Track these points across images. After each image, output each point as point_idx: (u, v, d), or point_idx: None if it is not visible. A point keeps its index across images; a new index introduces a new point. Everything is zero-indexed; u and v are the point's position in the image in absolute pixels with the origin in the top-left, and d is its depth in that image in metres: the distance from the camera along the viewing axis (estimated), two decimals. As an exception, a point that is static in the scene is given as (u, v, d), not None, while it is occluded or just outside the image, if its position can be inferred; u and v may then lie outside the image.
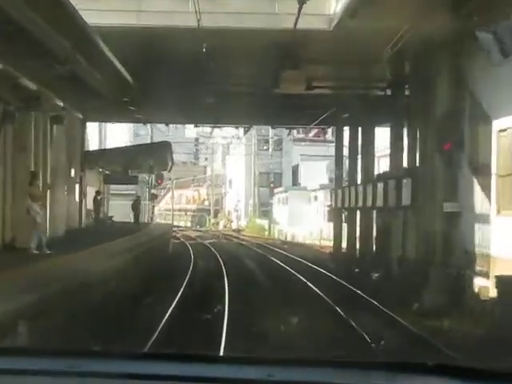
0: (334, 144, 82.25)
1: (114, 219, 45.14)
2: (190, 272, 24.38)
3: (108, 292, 15.55)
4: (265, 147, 65.32)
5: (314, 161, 69.93)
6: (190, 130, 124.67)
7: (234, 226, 73.89)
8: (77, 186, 31.33)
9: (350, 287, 20.24)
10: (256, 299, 17.92)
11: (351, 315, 15.19)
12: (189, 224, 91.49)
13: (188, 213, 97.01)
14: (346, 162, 36.28)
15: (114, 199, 50.70)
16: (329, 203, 53.13)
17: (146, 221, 50.19)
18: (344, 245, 33.67)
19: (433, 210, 19.84)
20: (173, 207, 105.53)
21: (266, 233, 61.27)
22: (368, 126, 30.75)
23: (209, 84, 25.05)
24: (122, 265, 18.84)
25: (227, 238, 52.10)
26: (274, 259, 31.38)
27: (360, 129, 31.58)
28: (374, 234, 26.88)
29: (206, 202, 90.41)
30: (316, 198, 55.86)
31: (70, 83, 19.92)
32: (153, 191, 56.26)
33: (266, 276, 24.45)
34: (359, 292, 19.06)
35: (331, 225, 51.35)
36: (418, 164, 21.33)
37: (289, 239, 55.41)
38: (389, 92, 24.45)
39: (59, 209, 25.65)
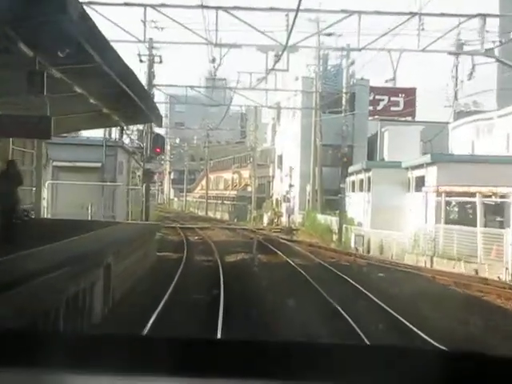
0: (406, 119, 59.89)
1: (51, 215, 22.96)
2: None
3: None
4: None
5: (401, 125, 47.83)
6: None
7: (284, 221, 50.93)
8: None
9: None
10: None
11: None
12: (226, 216, 69.20)
13: (226, 201, 74.56)
14: None
15: (63, 176, 28.23)
16: (448, 188, 29.63)
17: (116, 218, 27.57)
18: None
19: None
20: (207, 194, 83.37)
21: (334, 237, 38.05)
22: None
23: None
24: None
25: (267, 250, 28.99)
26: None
27: None
28: None
29: (250, 188, 67.58)
30: (422, 179, 32.37)
31: None
32: (148, 166, 33.67)
33: None
34: None
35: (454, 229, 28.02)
36: None
37: (374, 252, 32.39)
38: None
39: None
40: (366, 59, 39.97)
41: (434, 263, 26.17)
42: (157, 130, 54.46)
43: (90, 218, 25.73)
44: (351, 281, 19.13)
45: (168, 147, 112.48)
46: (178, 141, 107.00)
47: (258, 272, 21.03)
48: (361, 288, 17.60)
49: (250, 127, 72.44)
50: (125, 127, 27.95)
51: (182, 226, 47.41)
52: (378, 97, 61.98)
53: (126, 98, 18.68)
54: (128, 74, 16.93)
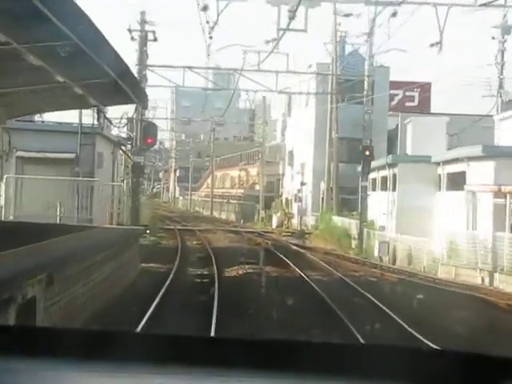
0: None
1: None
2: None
3: None
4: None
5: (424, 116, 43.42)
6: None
7: (295, 223, 46.05)
8: None
9: None
10: None
11: None
12: (232, 216, 64.42)
13: (232, 200, 69.72)
14: None
15: (29, 170, 23.41)
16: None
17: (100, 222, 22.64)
18: None
19: None
20: (212, 193, 78.39)
21: (354, 244, 33.08)
22: None
23: None
24: None
25: (277, 261, 24.09)
26: None
27: None
28: None
29: (257, 187, 62.73)
30: (459, 176, 27.30)
31: None
32: (138, 159, 28.90)
33: None
34: None
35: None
36: None
37: (401, 262, 27.56)
38: None
39: None
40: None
41: (497, 281, 20.80)
42: (157, 122, 49.74)
43: (58, 221, 20.92)
44: (386, 309, 14.23)
45: (174, 143, 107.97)
46: (183, 137, 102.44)
47: (264, 294, 16.11)
48: (402, 323, 12.67)
49: (258, 120, 67.75)
50: (104, 110, 23.08)
51: (182, 228, 42.70)
52: (392, 91, 57.92)
53: (97, 70, 13.84)
54: (96, 37, 12.14)
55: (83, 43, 11.93)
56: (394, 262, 28.18)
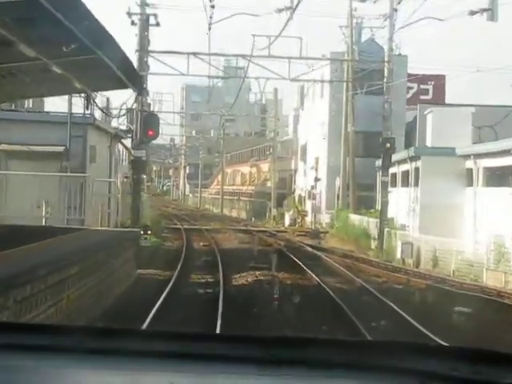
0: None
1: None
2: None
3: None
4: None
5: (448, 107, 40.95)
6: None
7: (309, 221, 43.54)
8: None
9: None
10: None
11: None
12: (243, 214, 62.05)
13: (242, 198, 67.31)
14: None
15: (14, 165, 21.02)
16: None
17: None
18: None
19: None
20: (222, 190, 75.95)
21: (373, 244, 30.53)
22: None
23: None
24: None
25: (291, 266, 21.62)
26: None
27: None
28: None
29: (269, 183, 60.31)
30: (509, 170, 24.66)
31: None
32: (138, 153, 26.52)
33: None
34: None
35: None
36: None
37: (425, 264, 25.03)
38: None
39: None
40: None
41: None
42: (165, 116, 47.20)
43: (44, 222, 18.52)
44: (425, 330, 11.74)
45: (183, 139, 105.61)
46: (193, 133, 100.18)
47: (277, 310, 13.64)
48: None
49: (269, 113, 65.37)
50: (93, 96, 20.54)
51: (189, 228, 40.33)
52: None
53: (75, 42, 11.43)
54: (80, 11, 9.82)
55: (83, 34, 9.64)
56: (417, 265, 25.70)
